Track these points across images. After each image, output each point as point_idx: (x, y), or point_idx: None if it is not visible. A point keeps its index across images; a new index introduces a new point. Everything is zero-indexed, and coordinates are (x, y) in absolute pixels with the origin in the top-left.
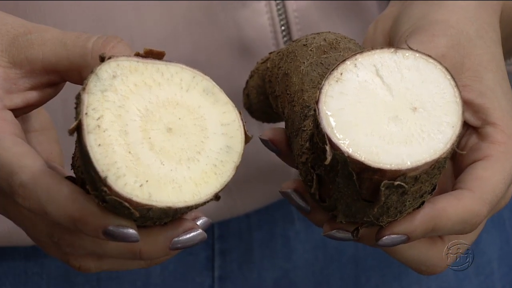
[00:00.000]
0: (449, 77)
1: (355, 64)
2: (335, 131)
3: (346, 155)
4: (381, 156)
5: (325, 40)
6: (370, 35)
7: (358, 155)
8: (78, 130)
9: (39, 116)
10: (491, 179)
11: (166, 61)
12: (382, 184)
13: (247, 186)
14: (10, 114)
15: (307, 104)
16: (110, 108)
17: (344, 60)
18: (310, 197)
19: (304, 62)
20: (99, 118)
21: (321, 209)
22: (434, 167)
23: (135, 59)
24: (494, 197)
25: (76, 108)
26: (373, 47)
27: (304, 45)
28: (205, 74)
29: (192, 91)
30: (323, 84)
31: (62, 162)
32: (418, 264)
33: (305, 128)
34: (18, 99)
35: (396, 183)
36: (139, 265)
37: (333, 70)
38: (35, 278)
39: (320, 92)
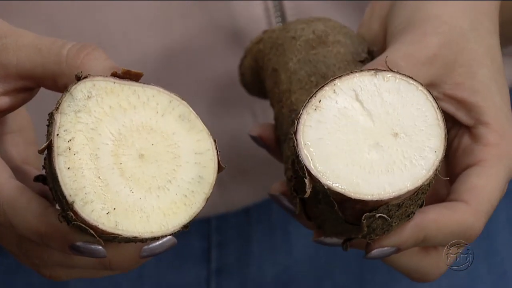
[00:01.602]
0: (430, 98)
1: (334, 90)
2: (315, 163)
3: (326, 187)
4: (362, 186)
5: (313, 32)
6: (367, 20)
7: (338, 187)
8: (48, 150)
9: (17, 117)
10: (486, 188)
11: (144, 83)
12: (363, 217)
13: (244, 179)
14: None
15: (294, 107)
16: (82, 130)
17: (322, 86)
18: None
19: (292, 58)
20: (70, 140)
21: None
22: (417, 193)
23: (112, 79)
24: (490, 207)
25: (48, 126)
26: (352, 71)
27: (292, 37)
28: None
29: (168, 116)
30: (301, 114)
31: (39, 165)
32: (411, 272)
33: (291, 136)
34: None
35: (378, 215)
36: (109, 273)
37: (311, 97)
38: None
39: (298, 122)
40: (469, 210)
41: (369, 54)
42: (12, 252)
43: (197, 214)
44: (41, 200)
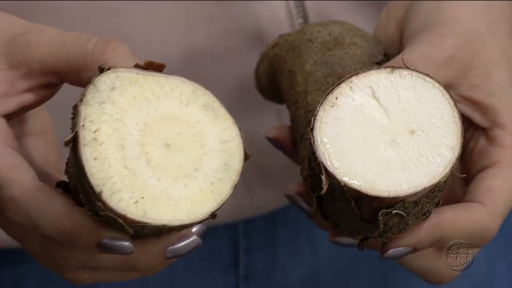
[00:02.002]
0: (447, 96)
1: (351, 87)
2: (331, 159)
3: (342, 184)
4: (379, 183)
5: (330, 34)
6: (383, 22)
7: (355, 184)
8: (74, 142)
9: (38, 119)
10: (501, 190)
11: (167, 74)
12: (380, 213)
13: (271, 183)
14: (3, 122)
15: (310, 108)
16: (107, 121)
17: (339, 83)
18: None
19: (309, 60)
20: (96, 130)
21: None
22: (434, 191)
23: (135, 70)
24: (506, 208)
25: (72, 119)
26: (369, 68)
27: (309, 39)
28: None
29: (192, 106)
30: (318, 110)
31: (60, 167)
32: (425, 273)
33: (308, 136)
34: (13, 103)
35: (394, 211)
36: (133, 275)
37: (328, 94)
38: (58, 278)
39: (314, 119)
40: (485, 211)
41: (385, 57)
42: (34, 255)
43: (224, 202)
44: (66, 199)
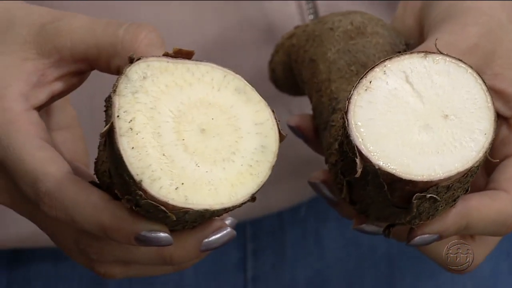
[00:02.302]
0: (480, 81)
1: (384, 71)
2: (365, 143)
3: (376, 167)
4: (412, 167)
5: (352, 23)
6: (400, 14)
7: (389, 167)
8: (109, 133)
9: (64, 113)
10: None
11: (196, 60)
12: (414, 197)
13: (280, 182)
14: (35, 115)
15: (334, 96)
16: (141, 110)
17: (373, 67)
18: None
19: (331, 49)
20: (131, 120)
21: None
22: (466, 176)
23: (165, 59)
24: None
25: (106, 111)
26: (402, 52)
27: (330, 28)
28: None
29: (224, 91)
30: (352, 94)
31: (88, 162)
32: (447, 262)
33: (333, 123)
34: (44, 94)
35: (428, 195)
36: (166, 270)
37: (362, 78)
38: (66, 280)
39: (348, 102)
40: (509, 199)
41: (406, 46)
42: (66, 249)
43: (264, 183)
44: (102, 193)
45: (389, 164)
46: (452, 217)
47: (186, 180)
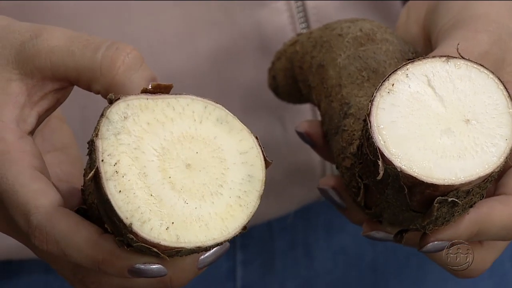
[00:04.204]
0: (501, 87)
1: (407, 75)
2: (388, 145)
3: (399, 170)
4: (434, 171)
5: (361, 30)
6: (403, 22)
7: (411, 170)
8: (95, 178)
9: (60, 134)
10: None
11: (176, 94)
12: (436, 200)
13: (270, 191)
14: (29, 142)
15: (346, 101)
16: (126, 152)
17: (395, 70)
18: (347, 194)
19: (341, 55)
20: (116, 163)
21: (358, 208)
22: (487, 181)
23: (144, 96)
24: None
25: (90, 154)
26: (423, 56)
27: (339, 35)
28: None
29: (206, 122)
30: (375, 96)
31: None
32: (456, 268)
33: (345, 128)
34: (32, 117)
35: (450, 199)
36: None
37: (384, 80)
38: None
39: (371, 104)
40: None
41: (415, 54)
42: (66, 278)
43: (253, 213)
44: (93, 227)
45: (411, 167)
46: (465, 224)
47: (176, 219)
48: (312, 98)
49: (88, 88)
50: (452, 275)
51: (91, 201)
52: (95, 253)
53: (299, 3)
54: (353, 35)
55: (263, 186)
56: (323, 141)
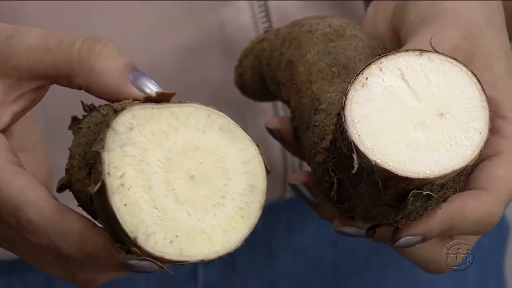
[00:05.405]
0: (475, 80)
1: (381, 68)
2: (362, 139)
3: (373, 163)
4: (409, 164)
5: (330, 26)
6: (370, 19)
7: (385, 164)
8: (100, 191)
9: (28, 134)
10: (505, 178)
11: (180, 102)
12: (411, 194)
13: None
14: (3, 139)
15: (316, 96)
16: (131, 164)
17: (369, 64)
18: (318, 190)
19: (310, 51)
20: (121, 176)
21: (329, 203)
22: (461, 174)
23: (149, 105)
24: (509, 196)
25: (92, 166)
26: (397, 50)
27: (308, 31)
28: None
29: (209, 131)
30: (349, 89)
31: (50, 185)
32: (427, 263)
33: (317, 124)
34: (7, 116)
35: (425, 192)
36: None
37: (358, 74)
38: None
39: (345, 98)
40: (490, 198)
41: (384, 50)
42: (50, 272)
43: (255, 225)
44: (85, 220)
45: (385, 161)
46: (437, 219)
47: (180, 232)
48: (281, 95)
49: (69, 83)
50: (411, 275)
51: (79, 189)
52: (87, 247)
53: (261, 2)
54: (322, 31)
55: (264, 197)
56: (293, 137)
